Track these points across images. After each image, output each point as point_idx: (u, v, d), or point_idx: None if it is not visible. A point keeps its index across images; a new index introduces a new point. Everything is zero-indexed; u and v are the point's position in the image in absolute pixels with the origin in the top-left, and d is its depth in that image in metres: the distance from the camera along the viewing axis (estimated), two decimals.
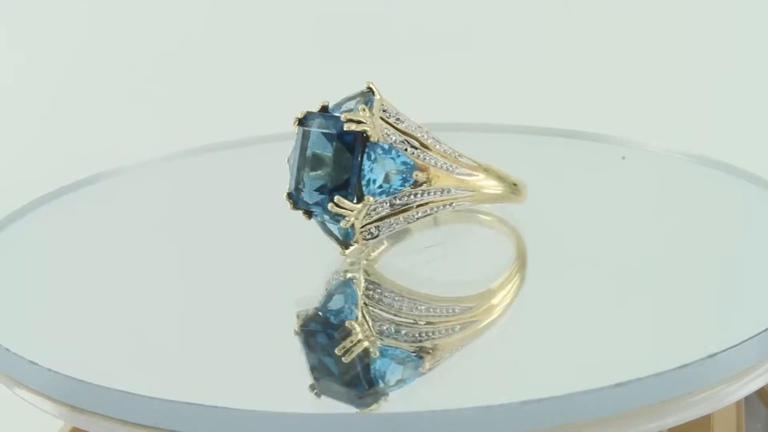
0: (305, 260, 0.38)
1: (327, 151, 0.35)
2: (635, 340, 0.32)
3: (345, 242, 0.36)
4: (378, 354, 0.31)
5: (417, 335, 0.32)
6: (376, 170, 0.35)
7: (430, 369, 0.30)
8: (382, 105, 0.36)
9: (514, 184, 0.38)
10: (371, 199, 0.35)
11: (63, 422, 0.39)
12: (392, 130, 0.35)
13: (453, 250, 0.39)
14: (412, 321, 0.33)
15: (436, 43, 0.76)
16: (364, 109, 0.35)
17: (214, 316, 0.35)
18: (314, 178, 0.35)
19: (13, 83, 0.77)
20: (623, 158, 0.48)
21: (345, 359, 0.31)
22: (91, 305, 0.35)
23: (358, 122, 0.35)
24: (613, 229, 0.41)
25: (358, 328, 0.33)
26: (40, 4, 0.76)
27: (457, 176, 0.36)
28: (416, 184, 0.36)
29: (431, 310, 0.34)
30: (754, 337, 0.31)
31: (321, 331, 0.33)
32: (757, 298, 0.34)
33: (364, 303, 0.35)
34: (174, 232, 0.42)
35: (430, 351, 0.31)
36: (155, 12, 0.77)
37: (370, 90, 0.36)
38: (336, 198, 0.35)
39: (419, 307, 0.34)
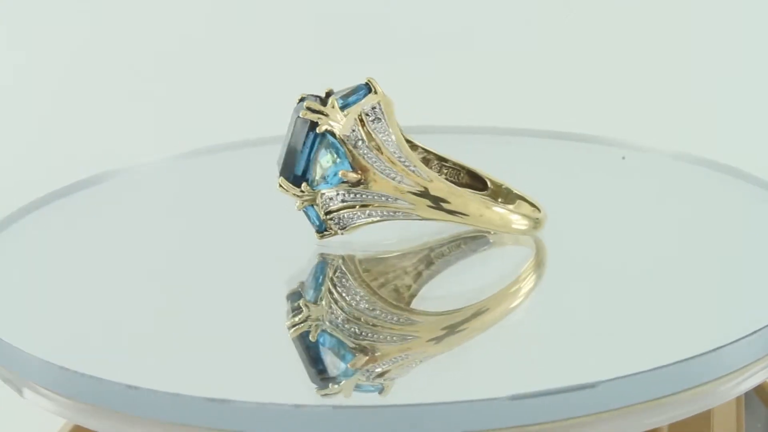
0: (307, 260, 0.38)
1: (289, 134, 0.36)
2: (634, 338, 0.32)
3: (319, 228, 0.37)
4: (315, 338, 0.32)
5: (358, 332, 0.33)
6: (315, 161, 0.36)
7: (362, 368, 0.30)
8: (374, 102, 0.36)
9: (536, 219, 0.38)
10: (306, 186, 0.36)
11: (64, 421, 0.39)
12: (358, 127, 0.36)
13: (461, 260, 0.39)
14: (357, 317, 0.34)
15: (436, 43, 0.76)
16: (333, 104, 0.36)
17: (215, 313, 0.35)
18: (280, 156, 0.37)
19: (13, 83, 0.77)
20: (623, 158, 0.48)
21: (290, 335, 0.32)
22: (93, 303, 0.35)
23: (314, 111, 0.36)
24: (612, 229, 0.41)
25: (310, 309, 0.34)
26: (40, 4, 0.77)
27: (399, 185, 0.36)
28: (349, 183, 0.36)
29: (381, 313, 0.34)
30: (754, 333, 0.31)
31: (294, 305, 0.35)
32: (757, 297, 0.35)
33: (328, 289, 0.36)
34: (174, 233, 0.42)
35: (368, 351, 0.31)
36: (155, 12, 0.77)
37: (367, 85, 0.36)
38: (280, 179, 0.36)
39: (372, 307, 0.34)
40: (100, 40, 0.77)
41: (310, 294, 0.36)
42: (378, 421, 0.28)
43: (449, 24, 0.77)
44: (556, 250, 0.38)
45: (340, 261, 0.38)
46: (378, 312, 0.34)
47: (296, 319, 0.34)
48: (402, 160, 0.36)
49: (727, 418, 0.39)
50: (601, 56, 0.76)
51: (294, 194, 0.36)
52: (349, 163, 0.36)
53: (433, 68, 0.74)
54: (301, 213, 0.37)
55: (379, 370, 0.30)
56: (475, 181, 0.40)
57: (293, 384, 0.30)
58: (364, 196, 0.36)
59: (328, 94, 0.37)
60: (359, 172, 0.36)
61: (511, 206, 0.38)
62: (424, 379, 0.31)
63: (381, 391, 0.29)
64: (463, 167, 0.40)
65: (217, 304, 0.35)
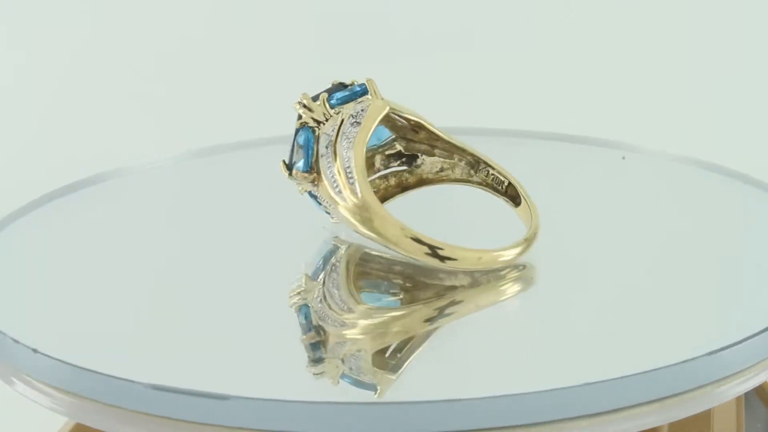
0: (310, 257, 0.38)
1: None
2: (633, 339, 0.32)
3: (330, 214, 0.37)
4: (296, 310, 0.34)
5: (320, 313, 0.34)
6: (295, 152, 0.36)
7: (308, 341, 0.32)
8: (364, 105, 0.36)
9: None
10: (286, 171, 0.36)
11: (64, 421, 0.39)
12: (336, 129, 0.35)
13: None
14: (325, 299, 0.35)
15: (436, 43, 0.76)
16: (323, 101, 0.36)
17: (214, 310, 0.35)
18: None
19: (13, 83, 0.77)
20: (623, 158, 0.48)
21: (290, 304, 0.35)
22: (95, 300, 0.36)
23: (305, 106, 0.36)
24: (612, 231, 0.41)
25: (309, 284, 0.36)
26: (40, 4, 0.77)
27: (336, 195, 0.35)
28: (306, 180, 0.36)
29: (338, 299, 0.35)
30: (755, 335, 0.31)
31: None
32: (757, 300, 0.35)
33: (329, 270, 0.37)
34: (175, 232, 0.42)
35: (321, 332, 0.33)
36: (155, 12, 0.77)
37: (364, 85, 0.36)
38: (281, 161, 0.36)
39: (339, 292, 0.35)
40: (100, 41, 0.77)
41: (314, 271, 0.37)
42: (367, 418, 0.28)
43: (449, 24, 0.77)
44: (556, 251, 0.38)
45: (345, 247, 0.38)
46: (337, 298, 0.35)
47: (295, 287, 0.35)
48: (348, 170, 0.35)
49: (727, 418, 0.39)
50: (601, 57, 0.76)
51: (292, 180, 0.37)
52: (310, 162, 0.35)
53: (433, 68, 0.75)
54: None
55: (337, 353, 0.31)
56: (516, 195, 0.38)
57: (292, 380, 0.30)
58: (318, 198, 0.36)
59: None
60: (314, 173, 0.35)
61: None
62: (423, 377, 0.31)
63: (376, 391, 0.29)
64: (506, 178, 0.38)
65: (216, 301, 0.35)
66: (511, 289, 0.36)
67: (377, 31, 0.76)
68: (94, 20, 0.77)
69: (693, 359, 0.30)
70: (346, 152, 0.35)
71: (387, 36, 0.76)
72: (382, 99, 0.36)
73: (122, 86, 0.76)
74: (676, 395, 0.29)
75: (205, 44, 0.77)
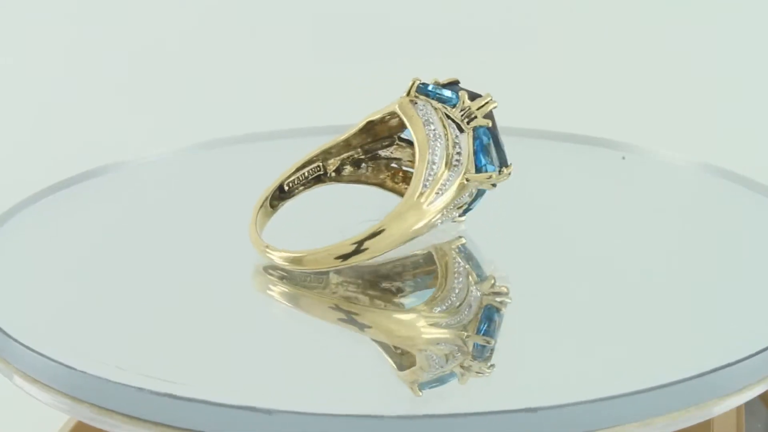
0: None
1: None
2: (633, 350, 0.32)
3: None
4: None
5: None
6: None
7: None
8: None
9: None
10: None
11: (66, 417, 0.39)
12: None
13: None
14: None
15: (437, 42, 0.76)
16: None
17: (216, 309, 0.35)
18: None
19: (11, 81, 0.77)
20: (623, 158, 0.48)
21: None
22: (95, 297, 0.36)
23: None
24: (612, 232, 0.41)
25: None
26: (39, 3, 0.77)
27: None
28: None
29: None
30: (759, 353, 0.31)
31: None
32: (758, 309, 0.34)
33: None
34: (174, 228, 0.42)
35: None
36: (155, 11, 0.77)
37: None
38: None
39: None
40: (100, 39, 0.77)
41: None
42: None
43: (449, 24, 0.77)
44: (554, 252, 0.38)
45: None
46: None
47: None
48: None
49: (727, 419, 0.39)
50: (602, 56, 0.76)
51: None
52: None
53: (433, 68, 0.74)
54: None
55: None
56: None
57: (291, 387, 0.30)
58: None
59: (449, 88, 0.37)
60: None
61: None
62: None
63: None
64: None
65: (216, 299, 0.35)
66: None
67: (377, 31, 0.76)
68: (93, 19, 0.77)
69: (693, 377, 0.29)
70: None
71: (387, 36, 0.76)
72: (403, 98, 0.36)
73: (120, 82, 0.76)
74: (674, 412, 0.29)
75: (205, 43, 0.77)
